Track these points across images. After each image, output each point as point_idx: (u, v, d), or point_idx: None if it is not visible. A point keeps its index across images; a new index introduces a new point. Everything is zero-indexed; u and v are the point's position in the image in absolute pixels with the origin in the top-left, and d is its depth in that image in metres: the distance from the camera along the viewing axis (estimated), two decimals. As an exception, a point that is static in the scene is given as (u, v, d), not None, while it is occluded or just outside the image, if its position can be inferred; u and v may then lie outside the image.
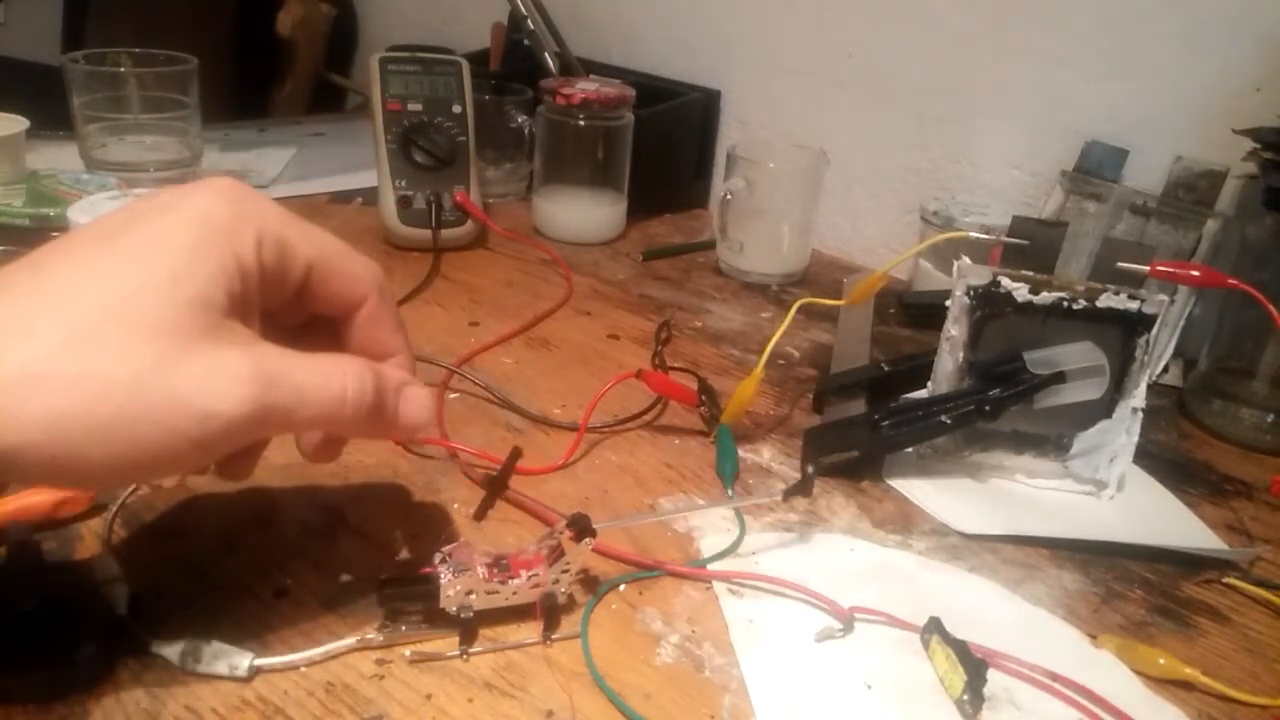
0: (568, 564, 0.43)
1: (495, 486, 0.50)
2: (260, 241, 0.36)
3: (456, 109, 0.89)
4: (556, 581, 0.43)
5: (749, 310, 0.85)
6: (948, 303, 0.58)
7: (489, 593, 0.42)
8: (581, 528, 0.43)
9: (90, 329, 0.32)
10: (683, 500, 0.56)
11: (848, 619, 0.46)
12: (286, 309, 0.40)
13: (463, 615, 0.42)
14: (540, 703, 0.40)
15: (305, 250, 0.38)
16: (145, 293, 0.33)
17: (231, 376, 0.33)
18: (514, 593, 0.43)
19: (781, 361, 0.75)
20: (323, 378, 0.36)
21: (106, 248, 0.34)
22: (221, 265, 0.34)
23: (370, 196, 0.87)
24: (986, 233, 0.65)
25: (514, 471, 0.51)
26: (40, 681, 0.37)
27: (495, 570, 0.42)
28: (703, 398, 0.64)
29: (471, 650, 0.42)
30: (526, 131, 1.04)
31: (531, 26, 1.07)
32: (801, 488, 0.50)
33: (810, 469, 0.51)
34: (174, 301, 0.33)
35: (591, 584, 0.47)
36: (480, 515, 0.50)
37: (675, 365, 0.71)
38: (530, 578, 0.43)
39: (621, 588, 0.47)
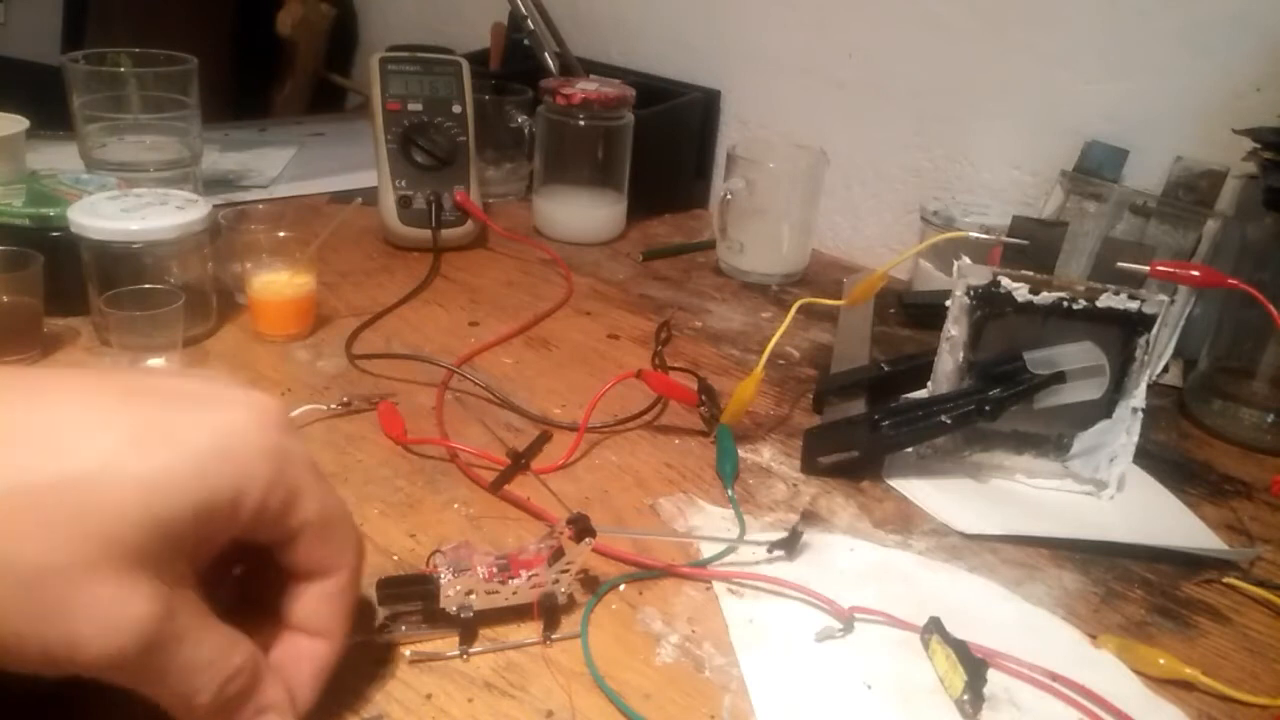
0: (568, 564, 0.43)
1: (518, 461, 0.50)
2: (271, 487, 0.32)
3: (456, 109, 0.89)
4: (556, 581, 0.43)
5: (749, 310, 0.85)
6: (948, 303, 0.58)
7: (489, 592, 0.42)
8: (581, 527, 0.43)
9: (40, 490, 0.27)
10: (683, 500, 0.56)
11: (848, 619, 0.46)
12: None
13: (462, 615, 0.42)
14: (540, 703, 0.40)
15: (308, 512, 0.33)
16: (117, 484, 0.28)
17: (127, 622, 0.28)
18: (514, 593, 0.43)
19: (781, 361, 0.75)
20: (205, 664, 0.31)
21: (118, 397, 0.30)
22: (214, 497, 0.30)
23: (370, 196, 0.87)
24: (986, 233, 0.65)
25: (535, 454, 0.50)
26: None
27: (495, 570, 0.42)
28: (703, 398, 0.64)
29: (471, 650, 0.42)
30: (526, 131, 1.04)
31: (531, 26, 1.07)
32: (788, 543, 0.50)
33: (800, 529, 0.50)
34: (143, 520, 0.28)
35: (591, 584, 0.47)
36: (498, 487, 0.50)
37: (675, 365, 0.71)
38: (530, 578, 0.43)
39: (621, 588, 0.47)
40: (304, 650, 0.36)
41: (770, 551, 0.50)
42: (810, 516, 0.55)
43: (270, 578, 0.36)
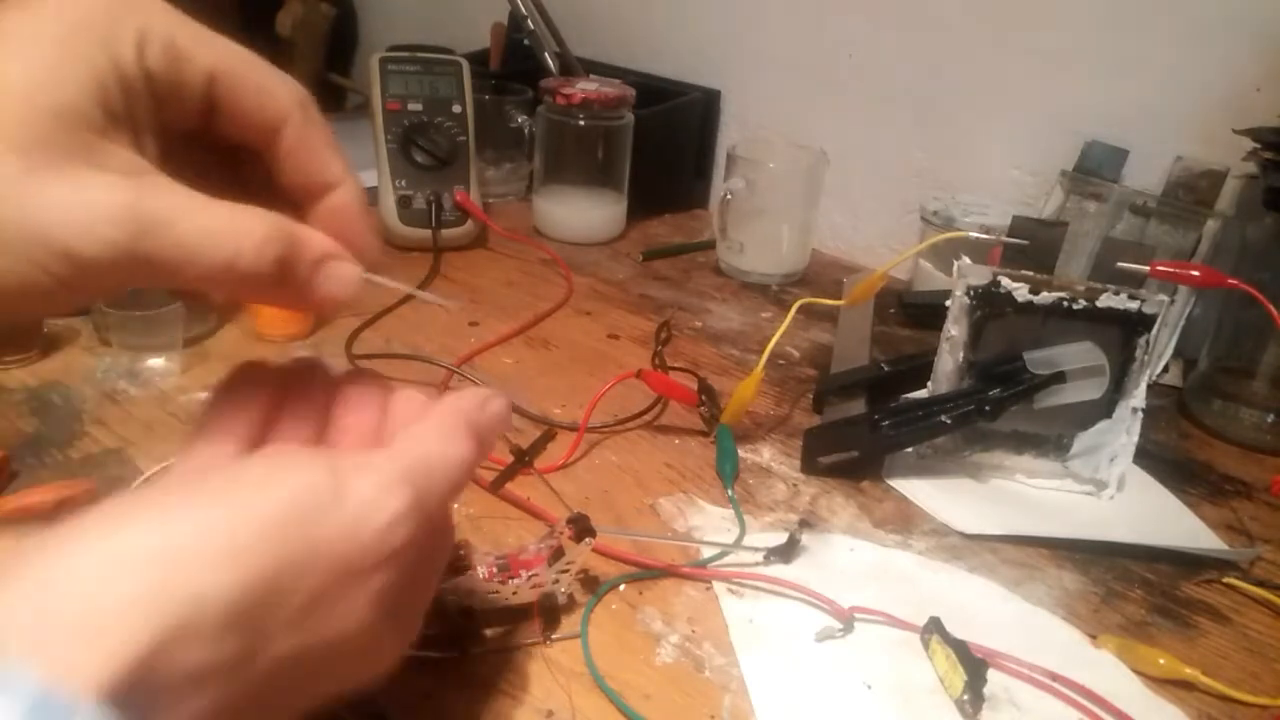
0: (568, 564, 0.43)
1: (521, 458, 0.50)
2: (143, 41, 0.29)
3: (456, 109, 0.89)
4: (556, 581, 0.43)
5: (749, 310, 0.85)
6: (948, 303, 0.58)
7: (489, 593, 0.42)
8: (581, 527, 0.43)
9: None
10: (683, 500, 0.56)
11: (848, 619, 0.46)
12: (197, 135, 0.32)
13: (462, 615, 0.42)
14: (540, 703, 0.40)
15: (204, 56, 0.30)
16: None
17: (98, 213, 0.27)
18: (514, 592, 0.43)
19: (781, 361, 0.75)
20: (214, 235, 0.28)
21: None
22: (92, 70, 0.27)
23: (370, 196, 0.86)
24: (986, 233, 0.65)
25: (538, 452, 0.50)
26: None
27: (495, 570, 0.42)
28: (703, 398, 0.64)
29: (471, 649, 0.42)
30: (526, 131, 1.04)
31: (531, 26, 1.07)
32: (785, 550, 0.50)
33: (799, 536, 0.50)
34: (32, 112, 0.26)
35: (591, 584, 0.47)
36: (499, 485, 0.50)
37: (675, 365, 0.71)
38: (530, 578, 0.43)
39: (621, 588, 0.47)
40: (336, 204, 0.35)
41: (767, 559, 0.50)
42: (809, 518, 0.55)
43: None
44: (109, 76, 0.28)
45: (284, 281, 0.31)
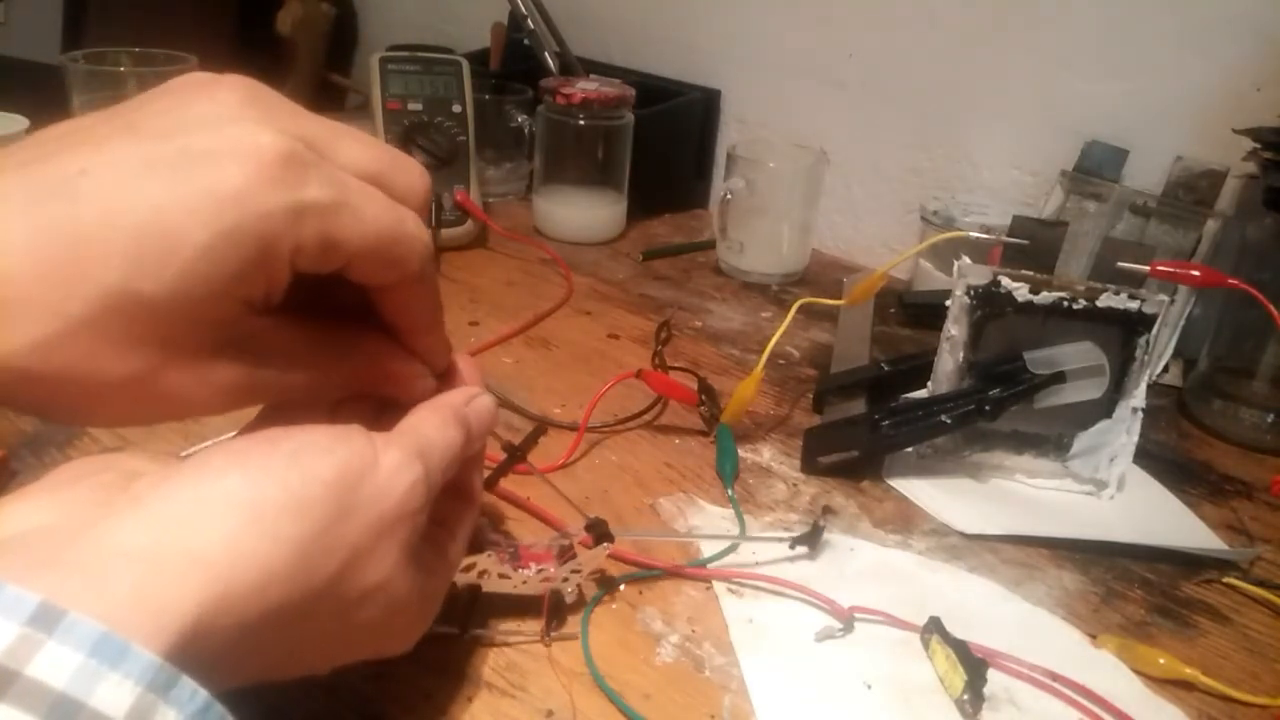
0: (579, 564, 0.43)
1: (514, 454, 0.50)
2: (300, 247, 0.30)
3: (456, 108, 0.89)
4: (565, 580, 0.43)
5: (749, 310, 0.85)
6: (948, 303, 0.58)
7: (500, 576, 0.42)
8: (600, 533, 0.42)
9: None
10: (683, 500, 0.56)
11: (848, 619, 0.46)
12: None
13: (469, 593, 0.42)
14: (540, 702, 0.40)
15: (353, 244, 0.31)
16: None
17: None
18: (524, 581, 0.43)
19: (781, 361, 0.75)
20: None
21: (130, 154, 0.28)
22: (242, 276, 0.29)
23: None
24: (986, 233, 0.65)
25: (529, 449, 0.50)
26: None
27: (507, 556, 0.42)
28: (703, 397, 0.64)
29: (472, 631, 0.42)
30: (526, 131, 1.04)
31: (531, 26, 1.07)
32: (810, 538, 0.50)
33: (823, 524, 0.50)
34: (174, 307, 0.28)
35: (591, 584, 0.47)
36: (493, 482, 0.50)
37: (675, 365, 0.71)
38: (540, 571, 0.43)
39: (621, 587, 0.47)
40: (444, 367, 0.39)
41: (793, 548, 0.50)
42: (826, 513, 0.55)
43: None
44: (257, 285, 0.30)
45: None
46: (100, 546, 0.25)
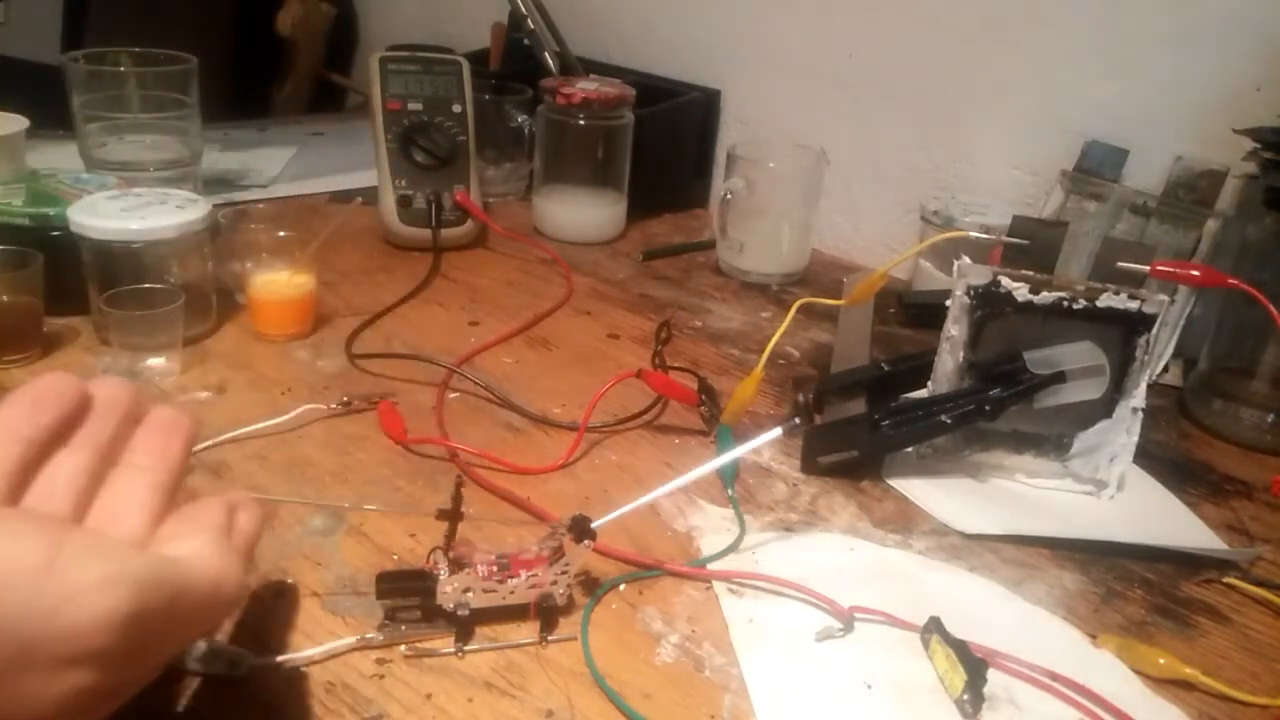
0: (567, 564, 0.43)
1: (453, 519, 0.44)
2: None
3: (456, 108, 0.89)
4: (554, 582, 0.43)
5: (749, 310, 0.85)
6: (948, 303, 0.58)
7: (486, 591, 0.42)
8: (581, 529, 0.42)
9: None
10: (683, 499, 0.55)
11: (848, 619, 0.46)
12: None
13: (460, 612, 0.42)
14: (540, 702, 0.40)
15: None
16: None
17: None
18: (512, 592, 0.43)
19: (781, 361, 0.75)
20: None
21: None
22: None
23: (370, 196, 0.87)
24: (986, 233, 0.65)
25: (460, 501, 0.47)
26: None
27: (495, 569, 0.42)
28: (703, 397, 0.64)
29: (468, 648, 0.42)
30: (526, 131, 1.04)
31: (531, 26, 1.07)
32: (798, 421, 0.50)
33: (801, 397, 0.50)
34: None
35: (591, 584, 0.47)
36: (447, 547, 0.46)
37: (675, 365, 0.71)
38: (529, 578, 0.43)
39: (621, 588, 0.47)
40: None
41: (786, 435, 0.51)
42: (810, 516, 0.55)
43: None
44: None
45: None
46: None
